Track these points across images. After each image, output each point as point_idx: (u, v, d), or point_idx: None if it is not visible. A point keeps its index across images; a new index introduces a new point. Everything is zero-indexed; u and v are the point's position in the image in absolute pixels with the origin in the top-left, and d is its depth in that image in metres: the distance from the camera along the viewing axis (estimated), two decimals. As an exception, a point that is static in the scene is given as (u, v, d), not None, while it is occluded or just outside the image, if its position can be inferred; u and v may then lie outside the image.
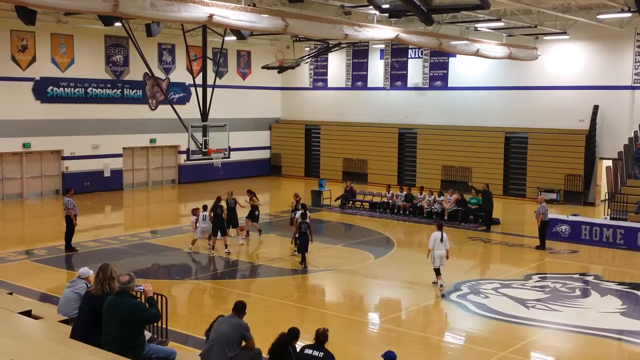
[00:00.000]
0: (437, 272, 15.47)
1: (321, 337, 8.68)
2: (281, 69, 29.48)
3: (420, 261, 18.89)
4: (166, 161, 33.70)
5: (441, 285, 15.41)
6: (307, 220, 17.93)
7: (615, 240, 20.41)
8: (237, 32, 20.96)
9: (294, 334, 8.84)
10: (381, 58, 34.43)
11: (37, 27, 22.70)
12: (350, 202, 27.36)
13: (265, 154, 38.11)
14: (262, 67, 30.67)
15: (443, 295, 15.03)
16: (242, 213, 20.63)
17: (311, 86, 37.41)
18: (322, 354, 8.52)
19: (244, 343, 8.86)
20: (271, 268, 17.68)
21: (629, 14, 22.00)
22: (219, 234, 19.01)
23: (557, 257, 19.28)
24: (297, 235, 18.09)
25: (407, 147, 33.71)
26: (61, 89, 29.15)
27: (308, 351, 8.55)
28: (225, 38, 23.73)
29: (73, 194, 19.13)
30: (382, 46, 33.81)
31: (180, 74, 33.13)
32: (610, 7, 22.00)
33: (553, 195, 28.32)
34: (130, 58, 31.19)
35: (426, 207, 24.97)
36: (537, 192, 28.21)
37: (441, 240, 15.41)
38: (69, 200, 18.69)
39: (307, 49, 33.76)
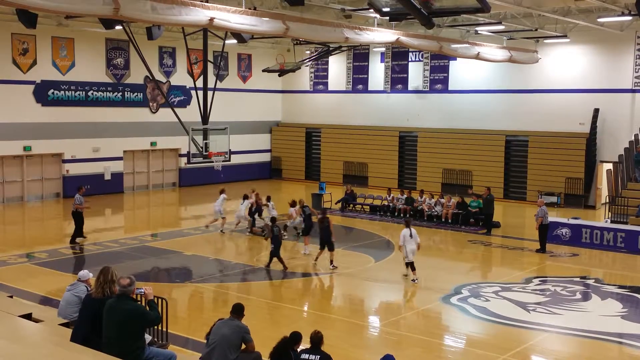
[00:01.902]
0: (411, 266, 16.49)
1: (315, 340, 8.69)
2: (282, 72, 29.51)
3: (420, 265, 18.89)
4: (167, 164, 33.71)
5: (413, 280, 16.45)
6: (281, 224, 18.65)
7: (615, 244, 20.41)
8: (238, 35, 20.98)
9: (296, 337, 8.84)
10: (382, 61, 34.46)
11: (38, 30, 22.72)
12: (351, 205, 27.36)
13: (265, 157, 38.11)
14: (263, 70, 30.72)
15: (414, 280, 16.43)
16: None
17: (312, 89, 37.44)
18: (319, 357, 8.53)
19: (244, 346, 8.87)
20: (272, 271, 17.65)
21: (629, 17, 22.01)
22: (326, 247, 17.72)
23: (558, 261, 19.28)
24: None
25: (408, 150, 33.72)
26: (62, 92, 29.19)
27: (304, 356, 8.56)
28: (226, 41, 23.78)
29: (84, 193, 20.38)
30: (383, 49, 33.83)
31: (181, 77, 33.15)
32: (610, 11, 22.01)
33: (554, 199, 28.31)
34: (131, 61, 31.22)
35: (426, 210, 24.98)
36: (537, 195, 28.21)
37: (410, 236, 16.52)
38: (78, 197, 19.84)
39: (308, 52, 33.80)
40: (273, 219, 18.33)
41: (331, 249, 17.68)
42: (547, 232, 20.20)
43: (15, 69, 27.77)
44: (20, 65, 27.90)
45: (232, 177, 33.82)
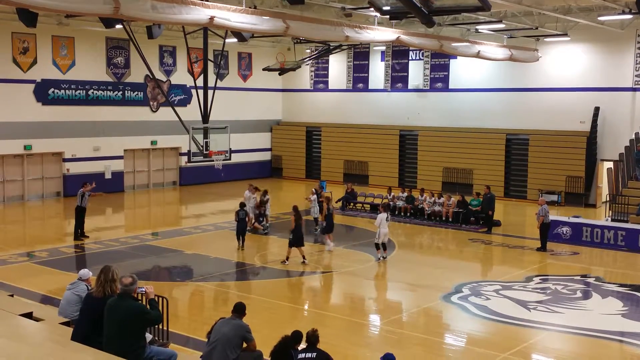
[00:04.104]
0: (381, 247, 18.19)
1: (312, 339, 8.71)
2: (282, 70, 29.51)
3: (421, 263, 18.97)
4: (167, 163, 33.71)
5: (384, 257, 18.28)
6: (246, 208, 20.51)
7: (616, 242, 20.40)
8: (238, 34, 20.97)
9: (297, 336, 8.85)
10: (382, 60, 34.45)
11: (38, 29, 22.70)
12: (351, 203, 27.36)
13: (266, 156, 38.12)
14: (263, 69, 30.71)
15: (382, 258, 18.28)
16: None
17: (312, 88, 37.43)
18: (315, 354, 8.56)
19: (245, 345, 8.86)
20: (272, 270, 17.68)
21: (629, 16, 21.99)
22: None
23: (558, 259, 19.28)
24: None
25: (408, 148, 33.72)
26: (62, 91, 29.18)
27: (301, 355, 8.58)
28: (226, 40, 23.78)
29: (89, 189, 20.78)
30: (383, 48, 33.82)
31: (181, 76, 33.15)
32: (611, 9, 22.00)
33: (554, 197, 28.31)
34: (131, 60, 31.22)
35: (427, 208, 24.98)
36: (538, 193, 28.22)
37: (387, 220, 18.30)
38: (80, 192, 20.40)
39: (308, 50, 33.78)
40: (242, 204, 20.33)
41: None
42: (548, 231, 20.20)
43: (16, 68, 27.76)
44: (20, 64, 27.90)
45: (233, 176, 33.81)
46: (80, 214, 20.55)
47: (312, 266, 18.04)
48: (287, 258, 17.91)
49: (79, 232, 20.60)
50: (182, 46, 27.58)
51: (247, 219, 20.25)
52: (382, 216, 18.19)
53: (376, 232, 18.27)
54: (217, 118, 26.86)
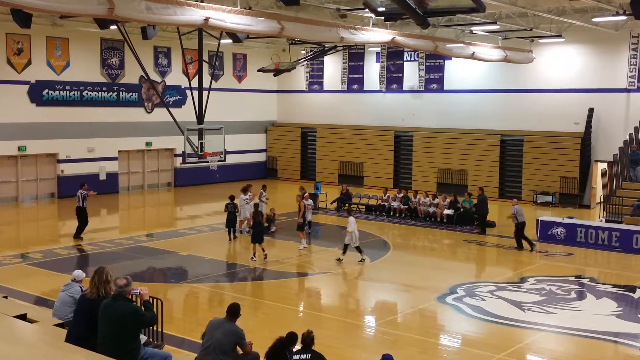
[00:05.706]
0: (358, 249, 18.27)
1: (307, 340, 8.70)
2: (277, 71, 29.50)
3: (416, 264, 18.98)
4: (162, 164, 33.65)
5: (362, 260, 18.35)
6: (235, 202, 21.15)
7: (610, 243, 20.45)
8: (233, 35, 20.97)
9: (291, 338, 8.83)
10: (377, 61, 34.48)
11: (32, 30, 22.68)
12: (346, 204, 27.33)
13: (261, 157, 38.09)
14: (258, 70, 30.70)
15: (362, 260, 18.32)
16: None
17: (307, 89, 37.43)
18: (310, 355, 8.54)
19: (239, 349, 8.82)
20: (267, 271, 17.67)
21: (624, 17, 22.05)
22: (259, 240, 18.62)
23: (553, 260, 19.31)
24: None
25: (403, 149, 33.74)
26: (57, 92, 29.11)
27: (296, 357, 8.56)
28: (221, 41, 23.78)
29: (87, 189, 20.78)
30: (378, 49, 33.84)
31: (176, 77, 33.10)
32: (605, 10, 22.07)
33: (548, 198, 28.37)
34: (126, 61, 31.16)
35: (421, 209, 24.97)
36: (532, 194, 28.29)
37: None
38: (81, 192, 20.42)
39: (303, 51, 33.80)
40: (232, 197, 20.99)
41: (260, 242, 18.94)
42: (523, 230, 20.23)
43: (10, 69, 27.67)
44: (14, 65, 27.82)
45: (228, 177, 33.79)
46: (82, 215, 20.57)
47: (307, 267, 18.04)
48: (254, 254, 18.33)
49: (81, 229, 20.57)
50: (177, 47, 27.51)
51: (235, 212, 20.86)
52: (352, 220, 18.43)
53: (351, 236, 18.19)
54: (212, 119, 26.81)
